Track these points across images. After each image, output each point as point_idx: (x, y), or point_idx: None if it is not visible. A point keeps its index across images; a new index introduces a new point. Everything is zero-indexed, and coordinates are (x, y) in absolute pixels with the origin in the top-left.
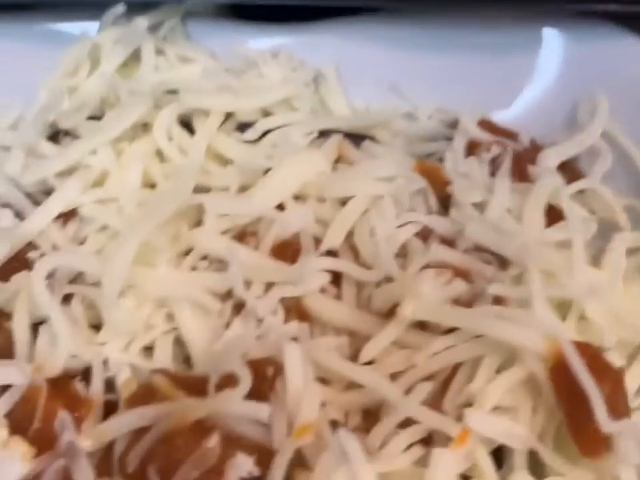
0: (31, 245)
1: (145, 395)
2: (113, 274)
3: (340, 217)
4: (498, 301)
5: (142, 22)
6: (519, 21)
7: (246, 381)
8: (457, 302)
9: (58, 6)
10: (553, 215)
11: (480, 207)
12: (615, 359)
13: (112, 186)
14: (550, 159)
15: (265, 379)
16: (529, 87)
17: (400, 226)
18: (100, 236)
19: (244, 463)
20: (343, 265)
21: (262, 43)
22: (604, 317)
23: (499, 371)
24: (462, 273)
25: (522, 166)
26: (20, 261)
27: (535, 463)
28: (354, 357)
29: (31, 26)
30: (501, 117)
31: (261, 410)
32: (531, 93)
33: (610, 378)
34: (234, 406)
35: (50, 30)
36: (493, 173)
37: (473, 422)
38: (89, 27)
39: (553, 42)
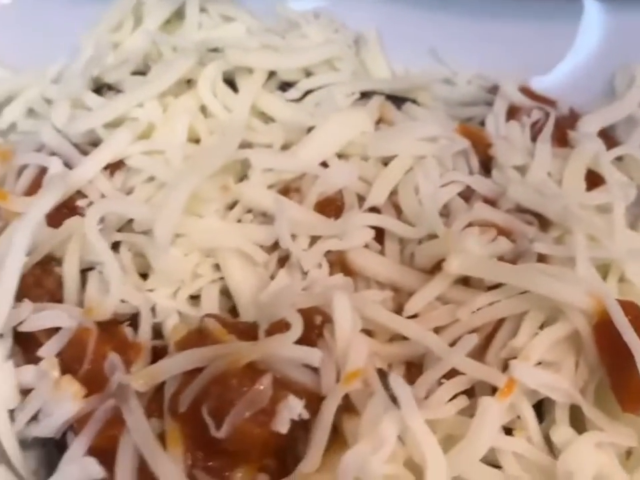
0: (79, 194)
1: (197, 338)
2: (164, 222)
3: (383, 175)
4: (541, 260)
5: None
6: None
7: (297, 326)
8: (501, 260)
9: None
10: (592, 181)
11: (521, 170)
12: None
13: (158, 139)
14: (589, 125)
15: (313, 327)
16: (568, 55)
17: (443, 185)
18: (147, 187)
19: (295, 405)
20: (387, 221)
21: (301, 4)
22: None
23: (542, 327)
24: (505, 233)
25: (562, 132)
26: (69, 209)
27: (575, 418)
28: (397, 312)
29: None
30: (540, 85)
31: (312, 354)
32: (570, 61)
33: None
34: (286, 350)
35: None
36: (533, 138)
37: (518, 373)
38: None
39: (594, 11)
